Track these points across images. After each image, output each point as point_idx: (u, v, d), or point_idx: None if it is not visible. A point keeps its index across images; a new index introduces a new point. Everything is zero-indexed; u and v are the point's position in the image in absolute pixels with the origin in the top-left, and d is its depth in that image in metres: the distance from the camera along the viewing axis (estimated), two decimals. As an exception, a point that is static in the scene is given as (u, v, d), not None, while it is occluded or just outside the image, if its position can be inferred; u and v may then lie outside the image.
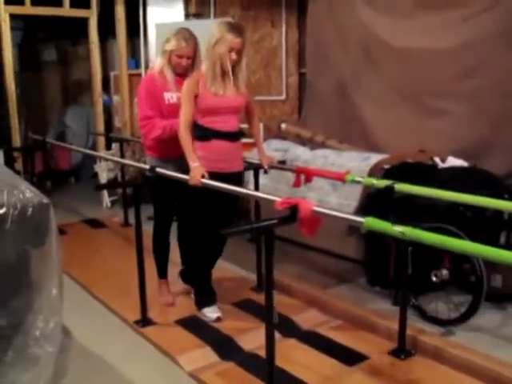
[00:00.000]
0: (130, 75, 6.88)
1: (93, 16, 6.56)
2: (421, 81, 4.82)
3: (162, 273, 3.87)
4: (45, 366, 2.77)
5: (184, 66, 3.49)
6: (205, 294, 3.61)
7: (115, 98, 7.27)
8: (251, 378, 2.86)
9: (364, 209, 3.98)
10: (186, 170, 3.26)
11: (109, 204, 6.81)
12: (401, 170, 3.88)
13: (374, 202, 3.85)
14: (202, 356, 3.11)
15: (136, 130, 6.89)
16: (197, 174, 3.13)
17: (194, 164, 3.17)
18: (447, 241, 1.90)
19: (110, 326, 3.61)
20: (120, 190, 6.47)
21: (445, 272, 3.46)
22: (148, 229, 3.72)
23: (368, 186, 3.44)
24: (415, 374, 2.91)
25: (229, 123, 3.33)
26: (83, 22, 6.68)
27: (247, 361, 3.03)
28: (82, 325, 3.51)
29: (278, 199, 2.48)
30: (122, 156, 5.99)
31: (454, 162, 4.09)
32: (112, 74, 7.42)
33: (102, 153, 6.54)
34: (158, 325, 3.52)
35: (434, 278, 3.50)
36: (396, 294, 3.66)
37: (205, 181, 3.11)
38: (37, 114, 8.36)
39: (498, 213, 3.64)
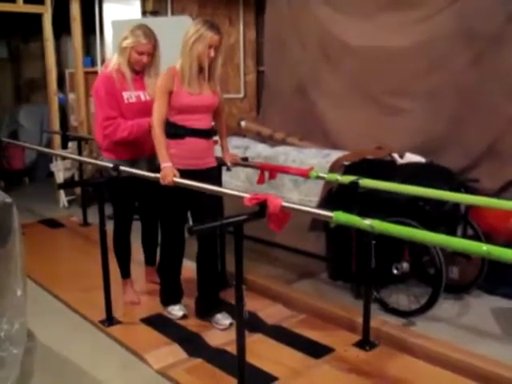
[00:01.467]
0: (86, 73, 6.76)
1: (47, 12, 6.43)
2: (378, 79, 4.91)
3: (126, 273, 3.85)
4: (11, 368, 2.74)
5: (144, 62, 3.44)
6: (171, 292, 3.61)
7: (71, 97, 7.15)
8: (220, 373, 2.89)
9: (325, 205, 4.04)
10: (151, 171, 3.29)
11: (66, 204, 6.70)
12: (361, 167, 3.95)
13: (336, 197, 3.92)
14: (169, 353, 3.12)
15: (93, 129, 6.80)
16: (169, 173, 3.11)
17: (166, 164, 3.15)
18: (414, 233, 1.97)
19: (75, 327, 3.58)
20: (78, 190, 6.39)
21: (405, 265, 3.57)
22: (107, 228, 3.69)
23: (332, 181, 3.50)
24: (380, 364, 2.99)
25: (202, 121, 3.32)
26: (37, 18, 6.54)
27: (215, 357, 3.05)
28: (46, 326, 3.46)
29: (246, 195, 2.51)
30: (80, 155, 5.90)
31: (412, 158, 4.20)
32: (67, 71, 7.29)
33: (60, 151, 6.43)
34: (123, 324, 3.51)
35: (394, 271, 3.60)
36: (358, 288, 3.75)
37: (177, 180, 3.10)
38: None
39: (456, 207, 3.76)
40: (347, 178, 3.16)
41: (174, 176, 3.11)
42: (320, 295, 3.87)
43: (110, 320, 3.51)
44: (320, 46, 5.27)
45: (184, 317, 3.53)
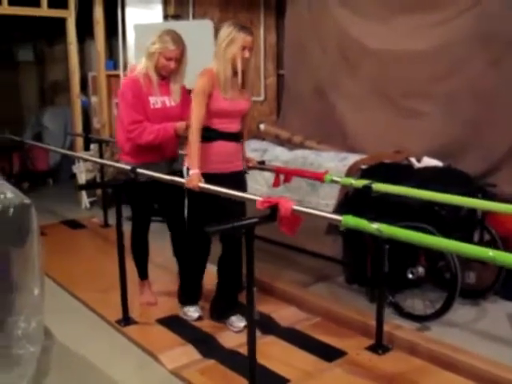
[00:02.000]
0: (108, 76, 6.87)
1: (71, 16, 6.54)
2: (397, 82, 4.91)
3: (143, 274, 3.87)
4: (27, 365, 2.79)
5: (172, 68, 3.44)
6: (190, 293, 3.64)
7: (93, 99, 7.26)
8: (233, 374, 2.91)
9: (342, 208, 4.05)
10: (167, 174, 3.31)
11: (88, 205, 6.80)
12: (378, 170, 3.95)
13: (351, 201, 3.92)
14: (183, 354, 3.16)
15: (115, 132, 6.89)
16: (195, 178, 3.11)
17: (195, 171, 3.14)
18: (421, 237, 1.98)
19: (92, 326, 3.64)
20: (99, 191, 6.47)
21: (420, 269, 3.55)
22: (127, 229, 3.73)
23: (346, 185, 3.51)
24: (393, 369, 2.99)
25: (233, 125, 3.33)
26: (61, 22, 6.65)
27: (228, 358, 3.08)
28: (64, 325, 3.52)
29: (259, 198, 2.53)
30: (101, 157, 5.99)
31: (429, 162, 4.19)
32: (90, 74, 7.40)
33: (81, 154, 6.52)
34: (139, 324, 3.56)
35: (410, 276, 3.59)
36: (373, 292, 3.75)
37: (202, 185, 3.09)
38: (13, 115, 8.30)
39: (472, 212, 3.74)
40: (361, 182, 3.17)
41: (200, 181, 3.10)
42: (335, 298, 3.88)
43: (126, 320, 3.56)
44: (339, 49, 5.28)
45: (199, 318, 3.57)
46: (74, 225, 6.04)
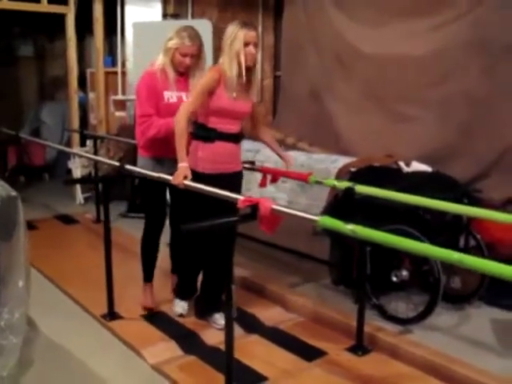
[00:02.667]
0: (107, 73, 6.91)
1: (70, 12, 6.58)
2: (391, 87, 4.96)
3: (149, 277, 3.82)
4: (9, 356, 2.82)
5: (188, 64, 3.44)
6: (184, 288, 3.67)
7: (91, 95, 7.29)
8: (212, 370, 2.95)
9: (330, 209, 4.07)
10: None
11: (82, 201, 6.83)
12: (366, 173, 3.98)
13: (340, 203, 3.95)
14: (165, 350, 3.20)
15: (111, 127, 6.93)
16: (180, 173, 3.09)
17: (183, 164, 3.13)
18: (395, 240, 2.00)
19: (77, 320, 3.67)
20: (94, 187, 6.51)
21: (405, 273, 3.58)
22: (118, 226, 3.77)
23: (330, 186, 3.55)
24: (371, 370, 3.02)
25: (233, 126, 3.32)
26: (61, 19, 6.69)
27: (209, 354, 3.11)
28: (49, 318, 3.56)
29: (240, 197, 2.57)
30: (96, 153, 6.02)
31: (418, 166, 4.21)
32: (88, 70, 7.43)
33: (76, 149, 6.56)
34: (124, 319, 3.59)
35: (394, 278, 3.62)
36: (358, 294, 3.77)
37: (187, 182, 3.06)
38: (12, 109, 8.35)
39: (458, 217, 3.76)
40: (343, 184, 3.20)
41: (185, 178, 3.08)
42: (321, 299, 3.90)
43: (111, 315, 3.59)
44: (334, 53, 5.34)
45: (181, 316, 3.61)
46: (67, 220, 6.07)
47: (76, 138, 6.94)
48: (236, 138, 3.36)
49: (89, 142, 6.66)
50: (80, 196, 6.82)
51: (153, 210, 3.67)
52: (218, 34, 6.33)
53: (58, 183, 7.80)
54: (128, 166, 3.48)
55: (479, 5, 4.39)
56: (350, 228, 2.09)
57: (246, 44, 3.11)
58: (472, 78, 4.48)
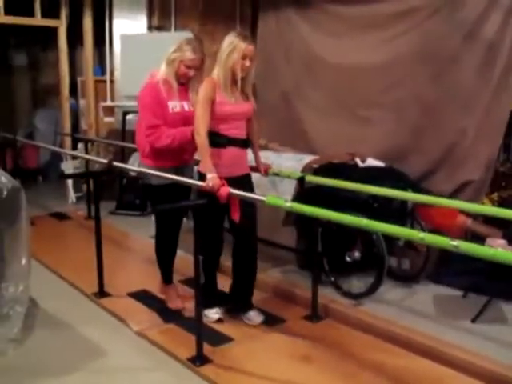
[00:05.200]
0: (96, 81, 7.45)
1: (62, 26, 7.11)
2: (352, 93, 5.50)
3: (167, 278, 3.95)
4: (15, 323, 3.35)
5: (190, 76, 3.54)
6: (207, 296, 3.63)
7: (82, 102, 7.81)
8: (187, 334, 3.45)
9: (296, 198, 4.57)
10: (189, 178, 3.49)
11: (74, 200, 7.32)
12: (326, 169, 4.50)
13: (305, 196, 4.47)
14: (148, 319, 3.73)
15: (101, 132, 7.45)
16: (217, 183, 3.13)
17: (213, 174, 3.18)
18: (323, 213, 2.54)
19: (71, 298, 4.21)
20: (85, 187, 7.01)
21: (357, 253, 4.11)
22: (108, 222, 4.20)
23: (285, 177, 4.05)
24: (322, 333, 3.57)
25: (242, 130, 3.45)
26: (53, 30, 7.21)
27: (186, 323, 3.63)
28: (46, 296, 4.07)
29: (203, 184, 3.10)
30: (86, 154, 6.53)
31: (372, 162, 4.75)
32: (79, 79, 7.95)
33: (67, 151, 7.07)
34: (112, 296, 4.11)
35: (347, 259, 4.15)
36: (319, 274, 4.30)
37: (233, 191, 3.14)
38: (7, 115, 8.81)
39: (403, 205, 4.31)
40: (296, 174, 3.75)
41: (223, 185, 3.13)
42: (286, 280, 4.42)
43: (101, 293, 4.12)
44: (302, 62, 5.88)
45: (219, 320, 3.68)
46: (61, 217, 6.59)
47: (68, 141, 7.46)
48: (244, 143, 3.51)
49: (80, 146, 7.16)
50: (72, 195, 7.32)
51: (165, 214, 3.66)
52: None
53: (51, 185, 8.33)
54: (115, 163, 3.99)
55: (427, 20, 4.94)
56: (288, 205, 2.63)
57: (244, 57, 3.23)
58: (421, 84, 5.01)
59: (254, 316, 3.64)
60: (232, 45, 3.23)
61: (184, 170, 3.67)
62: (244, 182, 3.44)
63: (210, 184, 3.13)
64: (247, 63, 3.26)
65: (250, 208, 3.45)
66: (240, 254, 3.65)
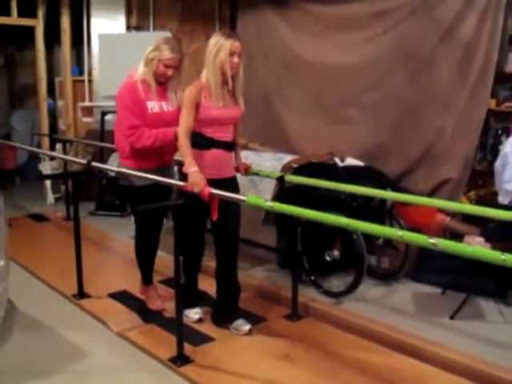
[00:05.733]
0: (74, 81, 7.39)
1: (39, 25, 7.04)
2: (331, 92, 5.55)
3: (147, 279, 3.93)
4: (-8, 325, 3.30)
5: (169, 75, 3.51)
6: (188, 296, 3.62)
7: (60, 103, 7.75)
8: (168, 334, 3.44)
9: (276, 197, 4.59)
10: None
11: (52, 201, 7.26)
12: (306, 168, 4.53)
13: (285, 196, 4.49)
14: (128, 320, 3.71)
15: (79, 132, 7.39)
16: (200, 180, 3.12)
17: (194, 168, 3.17)
18: (303, 212, 2.56)
19: (50, 300, 4.17)
20: (64, 188, 6.95)
21: (336, 252, 4.14)
22: (88, 223, 4.16)
23: (264, 176, 4.06)
24: (302, 331, 3.59)
25: (227, 133, 3.41)
26: (30, 30, 7.14)
27: (166, 323, 3.62)
28: (25, 299, 3.98)
29: (183, 184, 3.10)
30: (65, 155, 6.47)
31: (351, 161, 4.79)
32: (57, 79, 7.88)
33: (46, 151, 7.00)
34: (92, 297, 4.09)
35: (327, 258, 4.17)
36: (299, 273, 4.32)
37: (214, 191, 3.10)
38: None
39: (382, 203, 4.35)
40: (276, 174, 3.76)
41: (205, 184, 3.11)
42: (267, 279, 4.44)
43: (81, 294, 4.09)
44: (282, 61, 5.91)
45: (200, 320, 3.68)
46: (39, 218, 6.52)
47: (46, 142, 7.38)
48: (230, 146, 3.47)
49: (58, 146, 7.10)
50: (51, 196, 7.25)
51: (145, 215, 3.62)
52: (178, 45, 6.88)
53: (29, 186, 8.25)
54: (94, 163, 3.96)
55: (404, 20, 4.99)
56: (269, 204, 2.64)
57: (231, 54, 3.20)
58: (400, 84, 5.07)
59: (242, 325, 3.57)
60: (217, 44, 3.21)
61: (165, 170, 3.65)
62: (229, 185, 3.38)
63: (190, 180, 3.13)
64: (235, 59, 3.23)
65: (234, 211, 3.44)
66: (222, 256, 3.60)
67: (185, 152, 3.24)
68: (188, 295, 3.60)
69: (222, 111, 3.30)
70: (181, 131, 3.25)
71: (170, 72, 3.50)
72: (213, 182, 3.20)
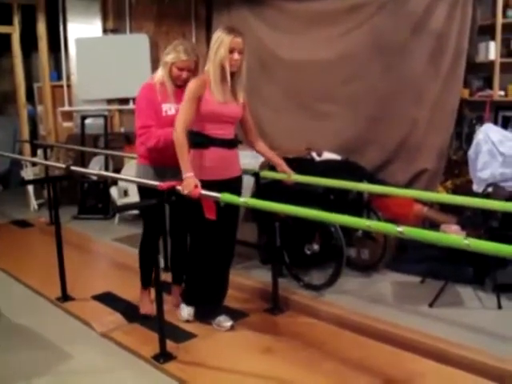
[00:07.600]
0: (53, 86, 7.39)
1: (15, 32, 7.04)
2: (308, 88, 5.61)
3: (147, 282, 3.89)
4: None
5: (184, 78, 3.49)
6: (192, 294, 3.68)
7: (39, 108, 7.75)
8: (151, 333, 3.46)
9: (256, 197, 4.66)
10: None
11: (36, 207, 7.27)
12: (283, 164, 4.59)
13: (263, 192, 4.54)
14: (112, 321, 3.74)
15: (60, 137, 7.40)
16: (191, 183, 3.07)
17: (189, 174, 3.11)
18: (279, 207, 2.61)
19: (34, 304, 4.19)
20: (46, 194, 6.97)
21: (316, 246, 4.20)
22: (70, 226, 4.19)
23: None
24: (284, 325, 3.66)
25: (226, 130, 3.34)
26: (7, 37, 7.14)
27: (149, 322, 3.65)
28: (11, 304, 4.07)
29: (158, 183, 3.14)
30: (46, 160, 6.49)
31: (328, 155, 4.84)
32: (36, 85, 7.89)
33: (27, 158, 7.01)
34: (76, 300, 4.12)
35: (307, 252, 4.23)
36: (280, 268, 4.37)
37: (204, 192, 3.06)
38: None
39: (359, 196, 4.41)
40: (251, 171, 3.82)
41: (196, 187, 3.06)
42: (249, 275, 4.49)
43: (64, 297, 4.12)
44: (257, 59, 5.95)
45: (187, 321, 3.67)
46: (23, 224, 6.54)
47: (27, 148, 7.39)
48: (230, 144, 3.40)
49: (39, 152, 7.11)
50: (34, 203, 7.26)
51: (152, 218, 3.56)
52: (155, 47, 6.93)
53: (12, 193, 8.26)
54: (73, 167, 3.99)
55: (375, 14, 5.07)
56: (242, 201, 2.69)
57: (231, 50, 3.16)
58: (374, 77, 5.15)
59: (224, 321, 3.59)
60: (218, 40, 3.18)
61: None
62: (232, 186, 3.32)
63: (184, 182, 3.08)
64: (235, 56, 3.18)
65: (233, 214, 3.45)
66: (217, 255, 3.58)
67: (180, 151, 3.16)
68: (193, 294, 3.66)
69: (222, 107, 3.26)
70: (178, 125, 3.17)
71: (184, 75, 3.50)
72: (215, 183, 3.19)
